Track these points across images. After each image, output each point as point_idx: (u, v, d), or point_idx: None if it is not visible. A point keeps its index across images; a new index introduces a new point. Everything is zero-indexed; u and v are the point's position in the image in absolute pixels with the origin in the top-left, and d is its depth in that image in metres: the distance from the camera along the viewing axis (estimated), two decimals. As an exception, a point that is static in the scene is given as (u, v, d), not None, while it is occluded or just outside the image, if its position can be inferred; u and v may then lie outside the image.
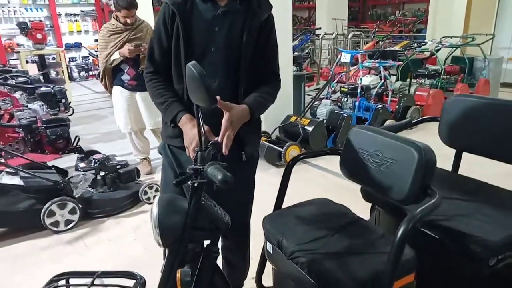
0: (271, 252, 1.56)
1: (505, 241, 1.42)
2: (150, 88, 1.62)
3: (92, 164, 3.14)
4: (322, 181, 3.68)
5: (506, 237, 1.43)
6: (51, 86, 4.39)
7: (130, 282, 1.31)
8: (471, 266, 1.52)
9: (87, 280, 1.28)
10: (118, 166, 3.19)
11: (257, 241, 1.80)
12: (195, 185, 1.11)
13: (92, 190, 3.10)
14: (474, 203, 1.65)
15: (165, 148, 1.69)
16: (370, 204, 1.95)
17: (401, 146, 1.39)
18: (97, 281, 1.28)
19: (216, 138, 1.31)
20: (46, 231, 2.81)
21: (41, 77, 5.72)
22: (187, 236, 1.13)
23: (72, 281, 1.28)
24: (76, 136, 3.91)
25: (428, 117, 2.21)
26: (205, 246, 1.22)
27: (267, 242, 1.56)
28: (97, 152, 3.46)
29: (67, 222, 2.84)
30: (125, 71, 3.41)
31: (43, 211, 2.72)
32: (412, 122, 2.20)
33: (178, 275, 1.10)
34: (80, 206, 2.88)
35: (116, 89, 3.48)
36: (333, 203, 1.73)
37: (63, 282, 1.27)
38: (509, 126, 1.73)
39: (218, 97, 1.29)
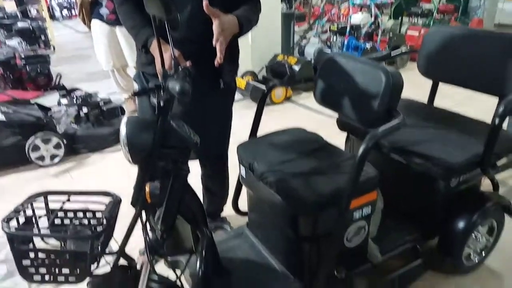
0: (244, 176, 1.62)
1: (464, 163, 1.49)
2: (120, 12, 1.57)
3: (74, 100, 3.12)
4: (308, 120, 3.73)
5: (466, 159, 1.50)
6: (29, 22, 4.23)
7: (106, 200, 1.37)
8: (434, 188, 1.61)
9: (65, 198, 1.34)
10: (101, 103, 3.18)
11: (236, 174, 1.87)
12: (161, 104, 1.13)
13: (76, 126, 3.11)
14: (441, 130, 1.70)
15: (139, 76, 1.68)
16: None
17: (370, 70, 1.40)
18: (74, 198, 1.34)
19: (187, 63, 1.31)
20: (32, 165, 2.87)
21: (19, 14, 5.49)
22: (156, 153, 1.17)
23: (51, 198, 1.34)
24: (58, 74, 3.85)
25: (408, 50, 2.20)
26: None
27: (241, 166, 1.62)
28: (80, 90, 3.43)
29: (53, 156, 2.89)
30: (103, 4, 3.26)
31: (27, 145, 2.76)
32: (392, 55, 2.19)
33: (147, 189, 1.15)
34: (65, 141, 2.91)
35: (95, 22, 3.34)
36: (306, 131, 1.77)
37: (41, 199, 1.32)
38: (483, 56, 1.74)
39: (205, 1, 1.26)
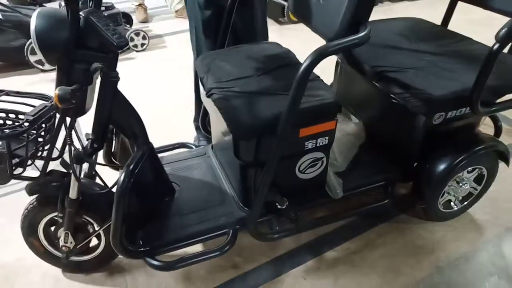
0: (202, 91, 1.48)
1: (449, 96, 1.24)
2: None
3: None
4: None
5: (452, 92, 1.24)
6: None
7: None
8: (414, 123, 1.39)
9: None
10: (102, 8, 3.02)
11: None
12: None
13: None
14: (438, 57, 1.42)
15: None
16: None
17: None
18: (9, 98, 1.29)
19: None
20: (34, 70, 2.87)
21: None
22: (70, 53, 1.05)
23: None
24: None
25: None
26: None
27: (200, 80, 1.47)
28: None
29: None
30: None
31: (26, 47, 2.73)
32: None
33: (56, 92, 1.05)
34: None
35: None
36: (281, 47, 1.55)
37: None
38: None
39: None
